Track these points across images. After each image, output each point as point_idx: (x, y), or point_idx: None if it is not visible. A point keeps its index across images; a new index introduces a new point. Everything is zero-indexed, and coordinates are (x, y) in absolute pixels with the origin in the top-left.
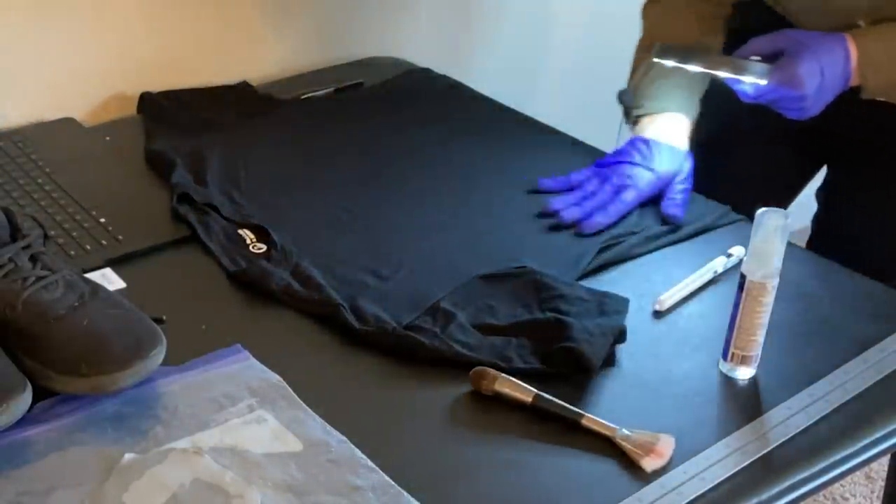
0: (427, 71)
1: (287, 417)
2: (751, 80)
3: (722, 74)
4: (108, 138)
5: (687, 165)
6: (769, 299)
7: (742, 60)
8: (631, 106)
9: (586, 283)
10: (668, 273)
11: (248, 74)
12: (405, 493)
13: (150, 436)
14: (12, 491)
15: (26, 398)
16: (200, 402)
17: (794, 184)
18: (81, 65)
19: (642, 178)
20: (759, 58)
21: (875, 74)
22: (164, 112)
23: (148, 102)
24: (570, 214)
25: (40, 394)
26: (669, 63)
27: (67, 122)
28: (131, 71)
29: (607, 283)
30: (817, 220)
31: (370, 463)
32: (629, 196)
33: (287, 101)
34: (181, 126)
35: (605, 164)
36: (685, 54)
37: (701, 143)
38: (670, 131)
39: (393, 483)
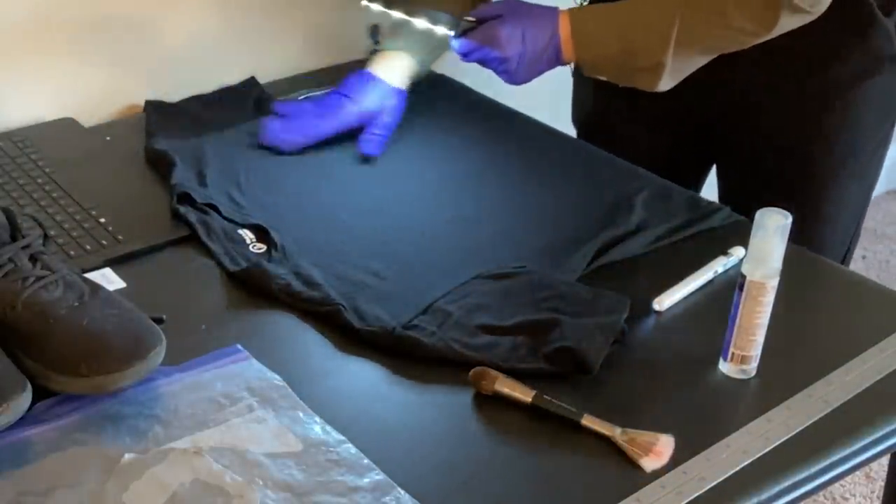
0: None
1: (287, 417)
2: (442, 32)
3: (419, 23)
4: (108, 138)
5: (392, 103)
6: (769, 299)
7: (436, 12)
8: (375, 41)
9: (586, 283)
10: (668, 273)
11: (247, 74)
12: (405, 493)
13: (150, 436)
14: (12, 491)
15: (26, 398)
16: (200, 402)
17: (679, 177)
18: (81, 65)
19: (344, 109)
20: (473, 18)
21: (586, 50)
22: (166, 113)
23: (152, 106)
24: (271, 133)
25: (40, 394)
26: (376, 7)
27: (67, 122)
28: (131, 71)
29: (607, 283)
30: None
31: (370, 463)
32: (326, 125)
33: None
34: (182, 126)
35: (337, 93)
36: (390, 0)
37: (581, 121)
38: (390, 69)
39: (393, 483)
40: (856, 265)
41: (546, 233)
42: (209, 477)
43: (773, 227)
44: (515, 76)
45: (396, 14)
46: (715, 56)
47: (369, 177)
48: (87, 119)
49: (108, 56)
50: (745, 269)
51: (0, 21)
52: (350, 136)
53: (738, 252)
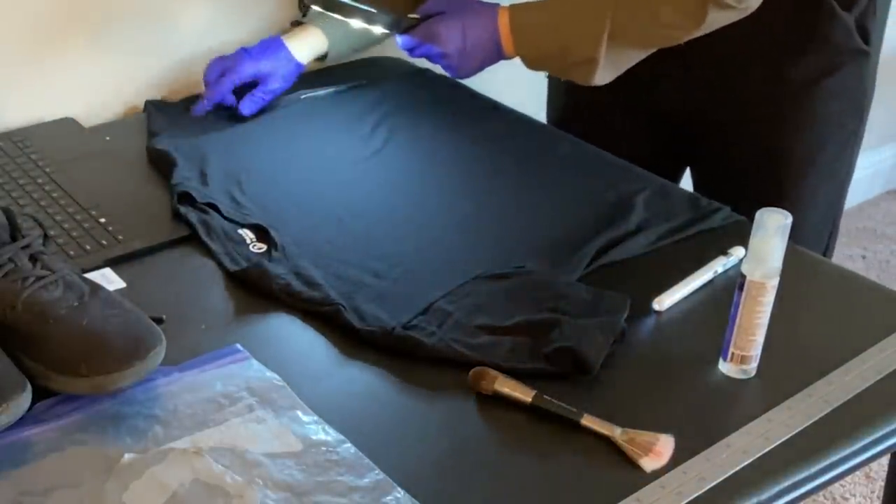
0: (426, 71)
1: (287, 417)
2: (380, 31)
3: (355, 23)
4: (108, 138)
5: (286, 71)
6: (769, 299)
7: (374, 13)
8: (303, 14)
9: (586, 283)
10: (668, 273)
11: None
12: (405, 493)
13: (150, 436)
14: (12, 491)
15: (26, 398)
16: (200, 402)
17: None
18: (82, 65)
19: (242, 65)
20: (417, 15)
21: (524, 46)
22: (167, 112)
23: (153, 106)
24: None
25: (40, 394)
26: (316, 8)
27: (67, 122)
28: (131, 71)
29: (607, 283)
30: None
31: (370, 463)
32: (227, 80)
33: (287, 101)
34: (183, 125)
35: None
36: (330, 2)
37: (554, 121)
38: (300, 43)
39: (393, 483)
40: (856, 265)
41: (546, 233)
42: (209, 477)
43: (773, 227)
44: (459, 71)
45: (335, 15)
46: (651, 52)
47: (370, 177)
48: (87, 119)
49: (108, 56)
50: (745, 269)
51: (0, 22)
52: (349, 137)
53: (738, 252)
